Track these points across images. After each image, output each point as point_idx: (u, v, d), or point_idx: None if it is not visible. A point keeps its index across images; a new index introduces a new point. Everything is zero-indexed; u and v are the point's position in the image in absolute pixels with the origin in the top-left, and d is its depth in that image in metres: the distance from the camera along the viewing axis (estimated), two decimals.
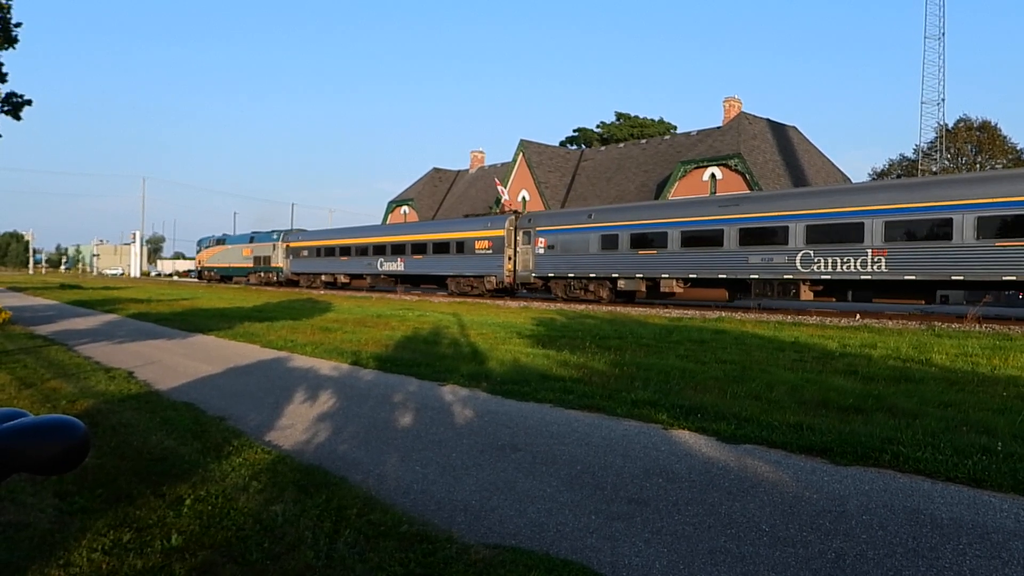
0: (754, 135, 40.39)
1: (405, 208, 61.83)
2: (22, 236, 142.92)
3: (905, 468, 4.98)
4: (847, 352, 11.11)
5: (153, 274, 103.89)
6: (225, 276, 55.46)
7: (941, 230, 17.68)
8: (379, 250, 37.80)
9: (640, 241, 24.59)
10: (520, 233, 29.38)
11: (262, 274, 49.81)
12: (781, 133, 42.81)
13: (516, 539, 3.86)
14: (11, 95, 12.72)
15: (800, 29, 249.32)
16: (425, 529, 3.92)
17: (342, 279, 41.76)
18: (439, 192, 62.52)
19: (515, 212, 32.30)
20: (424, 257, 34.59)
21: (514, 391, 8.00)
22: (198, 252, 62.40)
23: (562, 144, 71.39)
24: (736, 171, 37.46)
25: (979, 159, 53.66)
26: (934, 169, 49.49)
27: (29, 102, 12.90)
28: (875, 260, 18.70)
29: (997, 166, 50.66)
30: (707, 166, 39.05)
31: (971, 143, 54.52)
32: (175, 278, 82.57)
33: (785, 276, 20.59)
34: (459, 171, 64.88)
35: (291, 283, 46.67)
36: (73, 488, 4.50)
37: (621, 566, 3.52)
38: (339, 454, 5.61)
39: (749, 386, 8.01)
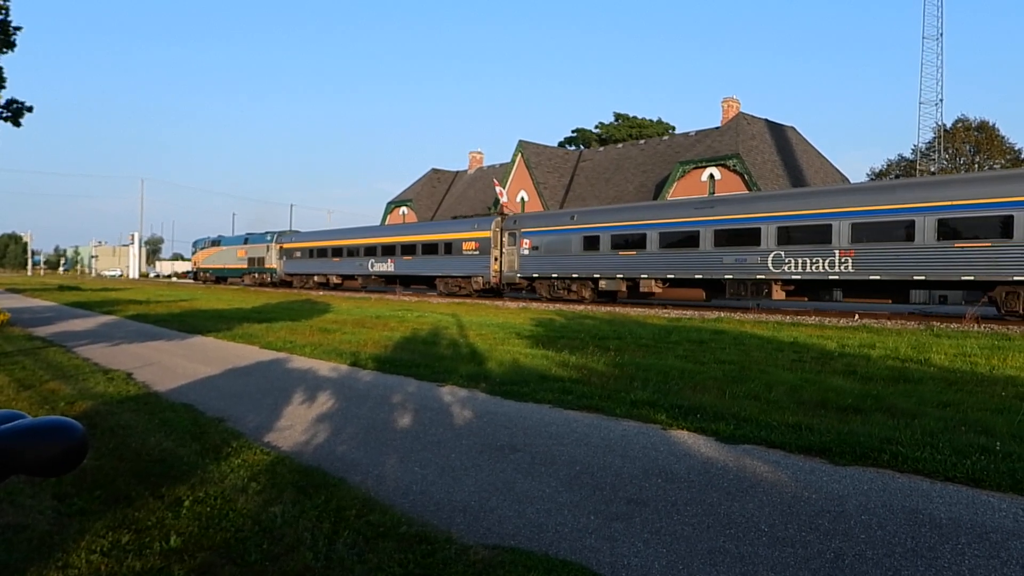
0: (752, 135, 40.42)
1: (404, 209, 61.82)
2: (20, 237, 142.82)
3: (904, 468, 4.99)
4: (846, 352, 11.11)
5: (152, 275, 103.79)
6: (220, 277, 55.90)
7: (904, 232, 18.28)
8: (370, 251, 38.41)
9: (620, 242, 25.20)
10: (506, 234, 30.01)
11: (256, 275, 50.21)
12: (779, 133, 42.84)
13: (515, 540, 3.86)
14: (12, 102, 12.69)
15: (798, 29, 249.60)
16: (424, 530, 3.92)
17: (334, 280, 42.37)
18: (438, 193, 62.51)
19: (501, 214, 32.71)
20: (414, 258, 35.21)
21: (513, 392, 8.00)
22: (193, 253, 62.87)
23: (561, 145, 71.39)
24: (735, 171, 37.48)
25: (977, 159, 53.73)
26: (932, 169, 49.55)
27: (30, 109, 12.88)
28: (842, 261, 19.31)
29: (995, 166, 50.73)
30: (705, 166, 39.07)
31: (969, 143, 54.57)
32: (174, 279, 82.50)
33: (758, 276, 21.18)
34: (458, 172, 64.87)
35: (285, 284, 47.12)
36: (72, 490, 4.49)
37: (620, 566, 3.52)
38: (338, 455, 5.61)
39: (748, 386, 8.01)
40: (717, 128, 42.60)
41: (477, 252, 31.11)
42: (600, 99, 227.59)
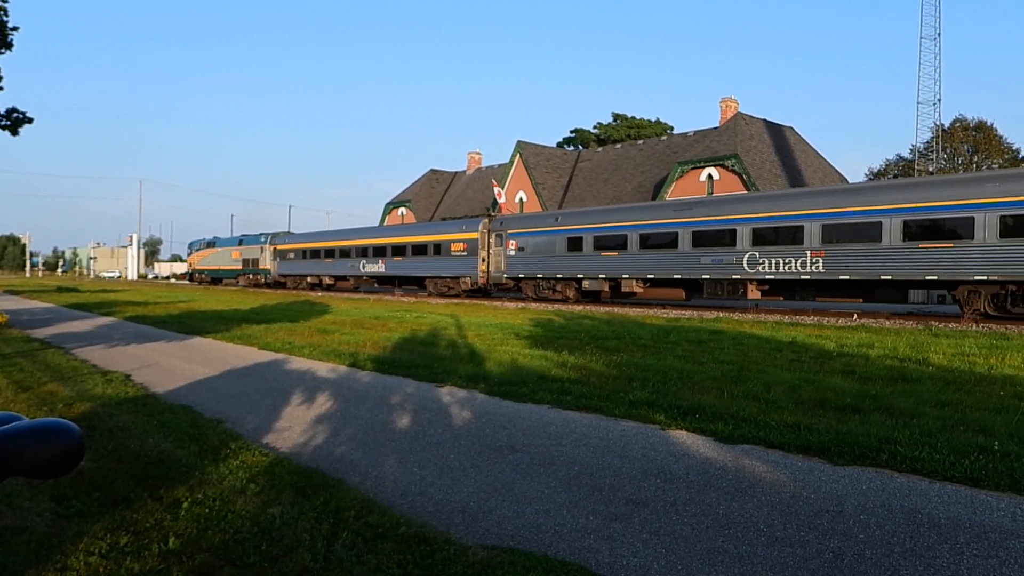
0: (751, 135, 40.44)
1: (402, 210, 61.81)
2: (19, 239, 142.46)
3: (902, 468, 4.99)
4: (844, 352, 11.12)
5: (150, 277, 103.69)
6: (215, 278, 56.35)
7: (871, 233, 18.77)
8: (361, 252, 38.87)
9: (603, 243, 25.72)
10: (493, 236, 30.52)
11: (251, 276, 50.61)
12: (778, 133, 42.87)
13: (514, 540, 3.86)
14: (12, 111, 12.66)
15: (797, 29, 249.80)
16: (423, 531, 3.92)
17: (327, 280, 42.81)
18: (436, 193, 62.50)
19: (488, 215, 33.18)
20: (404, 259, 35.68)
21: (512, 392, 8.00)
22: (189, 255, 63.35)
23: (559, 145, 71.39)
24: (733, 171, 37.51)
25: (975, 159, 53.79)
26: (931, 169, 49.61)
27: (30, 120, 12.84)
28: (813, 261, 19.88)
29: (994, 166, 50.81)
30: (704, 167, 39.09)
31: (967, 143, 54.64)
32: (172, 281, 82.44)
33: (734, 276, 21.72)
34: (456, 172, 64.87)
35: (278, 285, 47.54)
36: (70, 492, 4.49)
37: (619, 567, 3.52)
38: (337, 456, 5.61)
39: (747, 386, 8.02)
40: (715, 128, 42.62)
41: (465, 253, 31.59)
42: (598, 99, 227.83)
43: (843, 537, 3.84)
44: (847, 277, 19.28)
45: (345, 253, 40.23)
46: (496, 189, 48.45)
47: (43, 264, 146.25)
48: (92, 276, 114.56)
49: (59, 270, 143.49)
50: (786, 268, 20.45)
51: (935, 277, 17.79)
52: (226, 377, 9.69)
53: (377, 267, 37.55)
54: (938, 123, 48.97)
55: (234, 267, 52.58)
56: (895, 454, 5.21)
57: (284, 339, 13.76)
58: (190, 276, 62.85)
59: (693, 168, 39.57)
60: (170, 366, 10.70)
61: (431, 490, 4.73)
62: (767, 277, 21.03)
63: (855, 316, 18.58)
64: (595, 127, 76.69)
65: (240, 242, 52.76)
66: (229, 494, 4.49)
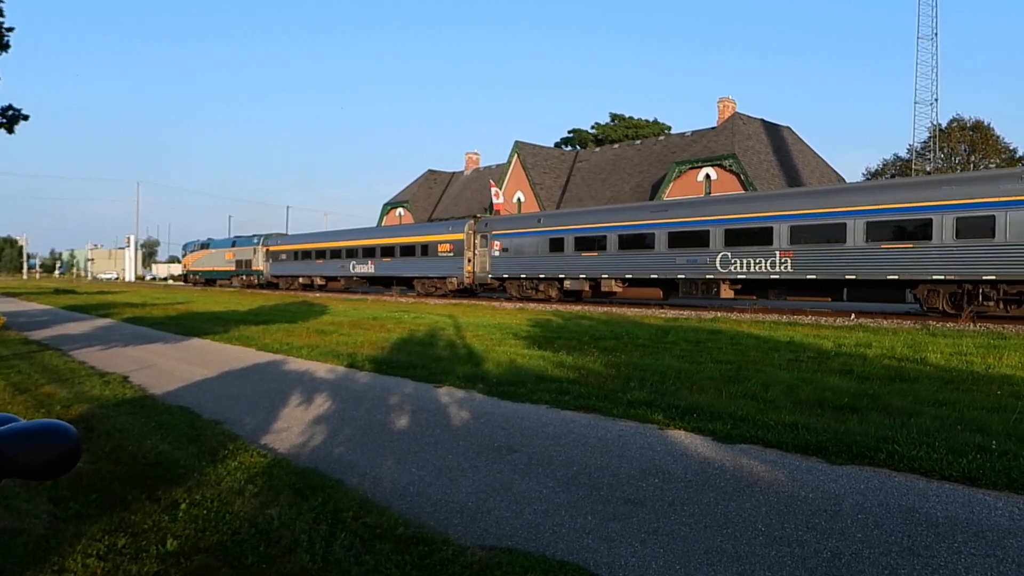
0: (748, 135, 40.49)
1: (400, 210, 61.81)
2: (16, 241, 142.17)
3: (900, 467, 5.00)
4: (842, 352, 11.13)
5: (148, 278, 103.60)
6: (209, 279, 56.77)
7: (837, 234, 19.40)
8: (351, 253, 39.44)
9: (583, 244, 26.36)
10: (478, 236, 31.21)
11: (244, 277, 51.06)
12: (775, 133, 42.93)
13: (512, 540, 3.86)
14: (8, 108, 12.60)
15: (794, 30, 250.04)
16: (421, 531, 3.92)
17: (318, 281, 43.34)
18: (434, 194, 62.50)
19: (474, 217, 33.70)
20: (392, 260, 36.29)
21: (510, 392, 7.99)
22: (183, 256, 63.76)
23: (557, 145, 71.41)
24: (731, 171, 37.55)
25: (972, 159, 53.88)
26: (928, 169, 49.68)
27: (26, 117, 12.77)
28: (782, 261, 20.55)
29: (991, 165, 50.89)
30: (702, 167, 39.13)
31: (964, 143, 54.72)
32: (170, 282, 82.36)
33: (707, 276, 22.36)
34: (454, 173, 64.88)
35: (271, 286, 48.05)
36: (68, 493, 4.48)
37: (617, 567, 3.52)
38: (335, 457, 5.60)
39: (745, 386, 8.02)
40: (713, 128, 42.67)
41: (451, 254, 32.26)
42: (596, 99, 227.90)
43: (841, 536, 3.84)
44: (814, 277, 19.91)
45: (336, 254, 40.81)
46: (494, 189, 48.46)
47: (40, 266, 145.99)
48: (89, 278, 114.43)
49: (56, 272, 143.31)
50: (757, 268, 21.08)
51: (896, 276, 18.40)
52: (224, 378, 9.68)
53: (367, 268, 38.19)
54: (935, 123, 49.07)
55: (228, 268, 53.05)
56: (893, 453, 5.21)
57: (282, 340, 13.75)
58: (185, 277, 63.56)
59: (691, 168, 39.62)
60: (168, 367, 10.69)
61: (429, 490, 4.73)
62: (739, 277, 21.63)
63: (852, 316, 18.62)
64: (593, 127, 76.77)
65: (233, 243, 53.27)
66: (227, 495, 4.49)
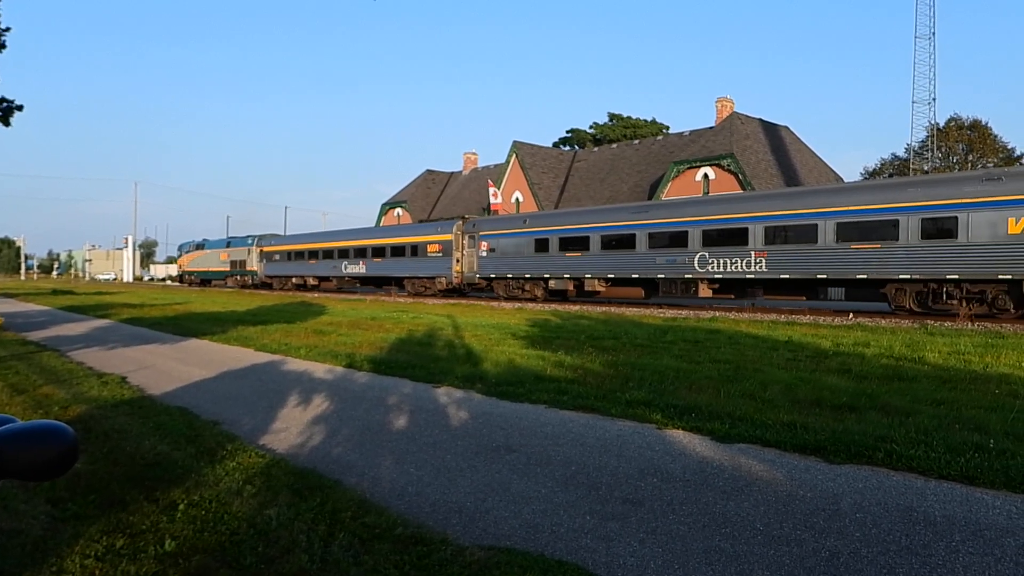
0: (746, 135, 40.52)
1: (398, 210, 61.80)
2: (13, 242, 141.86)
3: (898, 466, 5.00)
4: (840, 351, 11.14)
5: (146, 279, 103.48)
6: (204, 280, 57.15)
7: (809, 234, 19.95)
8: (343, 254, 39.98)
9: (567, 244, 26.91)
10: (466, 237, 31.79)
11: (238, 277, 51.45)
12: (773, 133, 42.97)
13: (511, 540, 3.86)
14: (1, 100, 12.57)
15: (792, 29, 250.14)
16: (420, 531, 3.92)
17: (311, 281, 43.86)
18: (432, 194, 62.49)
19: (462, 217, 34.16)
20: (383, 260, 36.86)
21: (509, 392, 8.00)
22: (179, 257, 64.11)
23: (555, 145, 71.44)
24: (729, 171, 37.58)
25: (970, 158, 53.94)
26: (926, 168, 49.75)
27: (20, 108, 12.75)
28: (757, 261, 21.07)
29: (988, 165, 50.95)
30: (700, 166, 39.16)
31: (962, 142, 54.78)
32: (168, 282, 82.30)
33: (686, 275, 22.92)
34: (452, 173, 64.88)
35: (265, 286, 48.46)
36: (66, 494, 4.48)
37: (616, 566, 3.52)
38: (333, 457, 5.60)
39: (743, 385, 8.03)
40: (711, 128, 42.70)
41: (440, 254, 32.90)
42: (594, 99, 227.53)
43: (839, 536, 3.84)
44: (787, 276, 20.46)
45: (328, 255, 41.33)
46: (492, 189, 48.47)
47: (38, 267, 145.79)
48: (87, 278, 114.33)
49: (54, 273, 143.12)
50: (733, 268, 21.61)
51: (865, 276, 18.90)
52: (222, 379, 9.68)
53: (358, 268, 38.76)
54: (933, 122, 49.12)
55: (222, 268, 53.50)
56: (891, 452, 5.22)
57: (280, 340, 13.74)
58: (180, 278, 64.03)
59: (689, 168, 39.65)
60: (166, 368, 10.68)
61: (428, 490, 4.73)
62: (716, 276, 22.13)
63: (851, 315, 18.67)
64: (591, 127, 76.79)
65: (228, 244, 53.73)
66: (226, 496, 4.48)
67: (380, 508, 4.31)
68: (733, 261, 21.55)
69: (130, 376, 9.72)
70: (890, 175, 54.27)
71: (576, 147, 69.05)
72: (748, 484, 4.75)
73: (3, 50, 11.89)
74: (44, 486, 4.51)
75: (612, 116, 76.81)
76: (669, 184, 40.09)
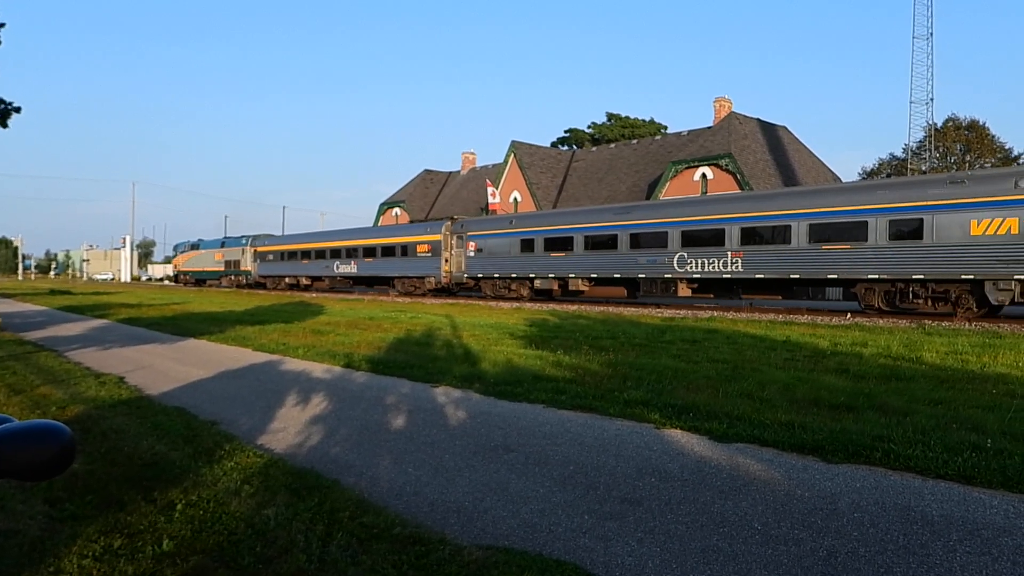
0: (744, 135, 40.54)
1: (396, 210, 61.75)
2: (11, 242, 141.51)
3: (896, 466, 5.01)
4: (838, 351, 11.16)
5: (144, 279, 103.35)
6: (199, 279, 57.40)
7: (782, 235, 20.54)
8: (335, 254, 40.39)
9: (552, 244, 27.44)
10: (455, 238, 32.32)
11: (232, 277, 51.73)
12: (771, 133, 42.99)
13: (509, 540, 3.86)
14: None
15: (790, 29, 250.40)
16: (418, 531, 3.92)
17: (304, 281, 44.22)
18: (430, 194, 62.46)
19: (451, 218, 34.55)
20: (374, 260, 37.33)
21: (507, 392, 8.00)
22: (174, 257, 64.46)
23: (553, 145, 71.42)
24: (727, 171, 37.59)
25: (968, 158, 54.00)
26: (923, 168, 49.80)
27: (18, 110, 12.72)
28: (734, 261, 21.63)
29: (986, 165, 51.02)
30: (698, 166, 39.17)
31: (960, 142, 54.84)
32: (166, 282, 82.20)
33: (666, 275, 23.51)
34: (450, 172, 64.84)
35: (259, 285, 48.76)
36: (63, 494, 4.47)
37: (614, 566, 3.53)
38: (331, 457, 5.60)
39: (741, 385, 8.03)
40: (709, 128, 42.70)
41: (430, 254, 33.40)
42: (592, 99, 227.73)
43: (837, 535, 3.85)
44: (762, 276, 21.01)
45: (320, 255, 41.71)
46: (490, 189, 48.44)
47: (35, 267, 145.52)
48: (85, 278, 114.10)
49: (52, 273, 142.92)
50: (711, 268, 22.15)
51: (836, 276, 19.50)
52: (220, 379, 9.67)
53: (350, 268, 39.18)
54: (931, 122, 49.16)
55: (217, 268, 53.81)
56: (889, 452, 5.23)
57: (279, 340, 13.73)
58: (175, 277, 64.50)
59: (687, 168, 39.66)
60: (164, 368, 10.66)
61: (426, 490, 4.73)
62: (695, 276, 22.69)
63: (848, 315, 18.70)
64: (589, 127, 76.79)
65: (223, 244, 54.02)
66: (223, 496, 4.48)
67: (378, 508, 4.31)
68: (711, 261, 22.07)
69: (128, 376, 9.71)
70: (887, 175, 54.31)
71: (574, 147, 69.06)
72: (746, 484, 4.75)
73: None
74: (41, 486, 4.51)
75: (610, 116, 76.83)
76: (667, 184, 40.10)
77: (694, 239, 22.53)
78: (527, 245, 28.37)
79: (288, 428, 6.64)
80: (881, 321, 16.86)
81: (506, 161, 51.55)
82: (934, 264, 17.57)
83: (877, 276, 18.63)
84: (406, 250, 34.83)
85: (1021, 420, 6.16)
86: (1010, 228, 16.39)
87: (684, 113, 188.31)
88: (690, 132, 45.23)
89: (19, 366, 10.58)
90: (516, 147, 51.03)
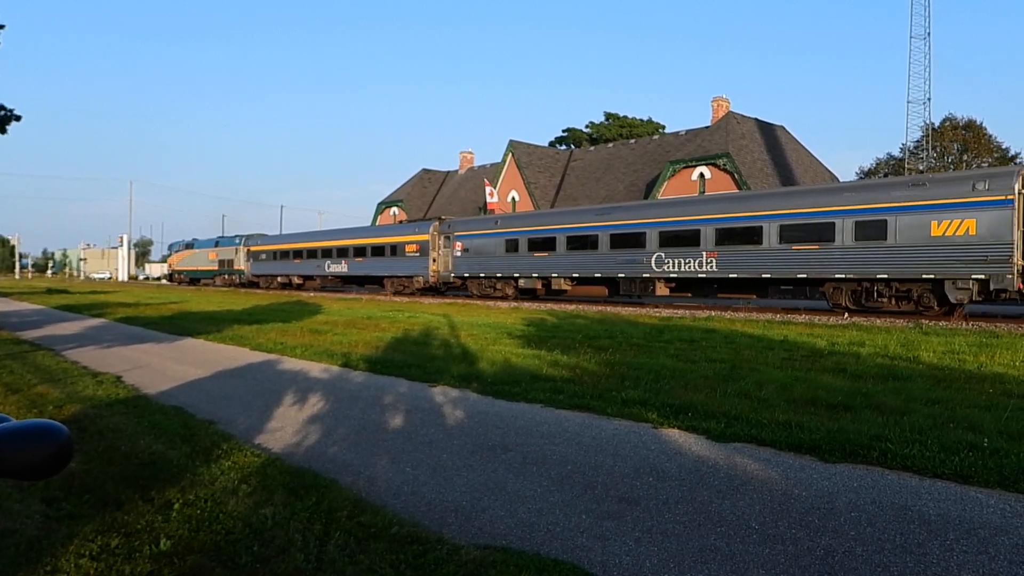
0: (742, 135, 40.57)
1: (394, 209, 61.73)
2: (8, 240, 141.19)
3: (893, 465, 5.02)
4: (836, 350, 11.17)
5: (141, 278, 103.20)
6: (193, 279, 57.69)
7: (755, 236, 21.12)
8: (326, 253, 40.89)
9: (535, 245, 28.11)
10: (442, 238, 32.99)
11: (226, 276, 52.08)
12: (769, 132, 43.02)
13: (507, 539, 3.86)
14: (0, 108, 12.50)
15: (789, 29, 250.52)
16: (416, 530, 3.91)
17: (296, 280, 44.69)
18: (428, 193, 62.44)
19: (438, 218, 35.03)
20: (364, 260, 37.87)
21: (505, 391, 8.00)
22: (169, 256, 64.81)
23: (551, 144, 71.41)
24: (724, 170, 37.62)
25: (965, 158, 54.10)
26: (921, 168, 49.88)
27: (18, 118, 12.69)
28: (708, 261, 22.22)
29: (983, 164, 51.10)
30: (696, 166, 39.19)
31: (957, 142, 54.92)
32: (163, 282, 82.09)
33: (644, 275, 24.12)
34: (448, 172, 64.80)
35: (252, 284, 49.08)
36: (60, 494, 4.46)
37: (612, 565, 3.53)
38: (329, 456, 5.60)
39: (739, 385, 8.04)
40: (707, 127, 42.74)
41: (418, 254, 33.98)
42: (590, 99, 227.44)
43: (834, 534, 3.86)
44: (736, 275, 21.58)
45: (312, 254, 42.15)
46: (488, 188, 48.43)
47: (32, 266, 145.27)
48: (82, 277, 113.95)
49: (49, 272, 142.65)
50: (687, 267, 22.75)
51: (805, 275, 20.08)
52: (218, 378, 9.66)
53: (340, 267, 39.72)
54: (928, 122, 49.26)
55: (211, 268, 54.17)
56: (886, 451, 5.24)
57: (276, 340, 13.72)
58: (170, 276, 64.89)
59: (685, 167, 39.68)
60: (161, 367, 10.65)
61: (424, 490, 4.73)
62: (672, 276, 23.28)
63: (846, 315, 18.76)
64: (587, 126, 76.78)
65: (217, 244, 54.38)
66: (221, 495, 4.48)
67: (376, 507, 4.31)
68: (687, 261, 22.64)
69: (125, 375, 9.69)
70: (885, 175, 54.39)
71: (572, 146, 69.04)
72: (743, 483, 4.76)
73: None
74: (38, 485, 4.50)
75: (608, 115, 76.83)
76: (665, 183, 40.12)
77: (671, 239, 23.09)
78: (512, 245, 28.97)
79: (286, 427, 6.63)
80: (878, 321, 16.89)
81: (504, 161, 51.54)
82: (897, 264, 18.14)
83: (844, 276, 19.18)
84: (395, 250, 35.38)
85: (1018, 419, 6.17)
86: (968, 229, 16.92)
87: (682, 113, 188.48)
88: (688, 132, 45.26)
89: (16, 365, 10.56)
90: (514, 147, 51.02)
